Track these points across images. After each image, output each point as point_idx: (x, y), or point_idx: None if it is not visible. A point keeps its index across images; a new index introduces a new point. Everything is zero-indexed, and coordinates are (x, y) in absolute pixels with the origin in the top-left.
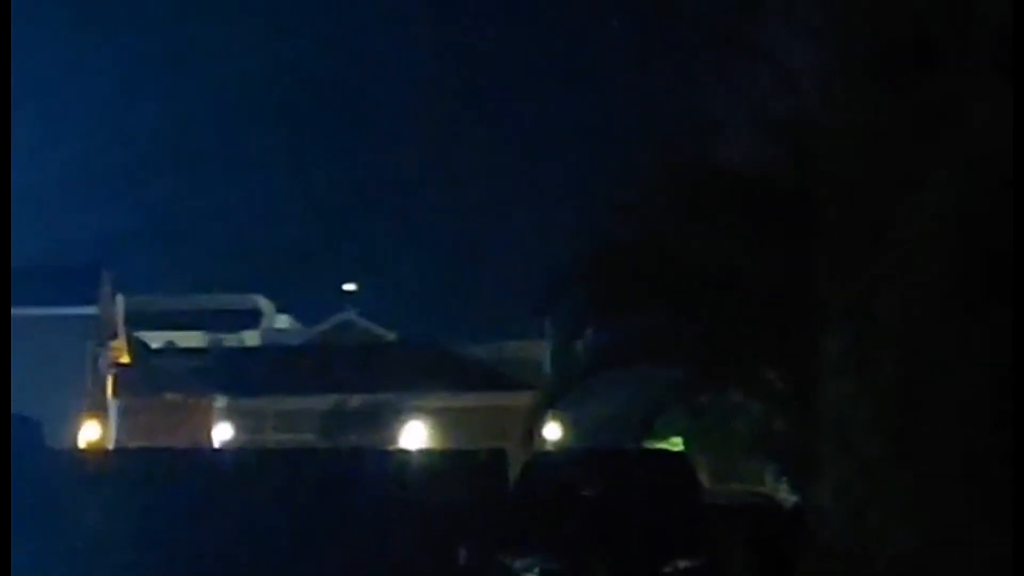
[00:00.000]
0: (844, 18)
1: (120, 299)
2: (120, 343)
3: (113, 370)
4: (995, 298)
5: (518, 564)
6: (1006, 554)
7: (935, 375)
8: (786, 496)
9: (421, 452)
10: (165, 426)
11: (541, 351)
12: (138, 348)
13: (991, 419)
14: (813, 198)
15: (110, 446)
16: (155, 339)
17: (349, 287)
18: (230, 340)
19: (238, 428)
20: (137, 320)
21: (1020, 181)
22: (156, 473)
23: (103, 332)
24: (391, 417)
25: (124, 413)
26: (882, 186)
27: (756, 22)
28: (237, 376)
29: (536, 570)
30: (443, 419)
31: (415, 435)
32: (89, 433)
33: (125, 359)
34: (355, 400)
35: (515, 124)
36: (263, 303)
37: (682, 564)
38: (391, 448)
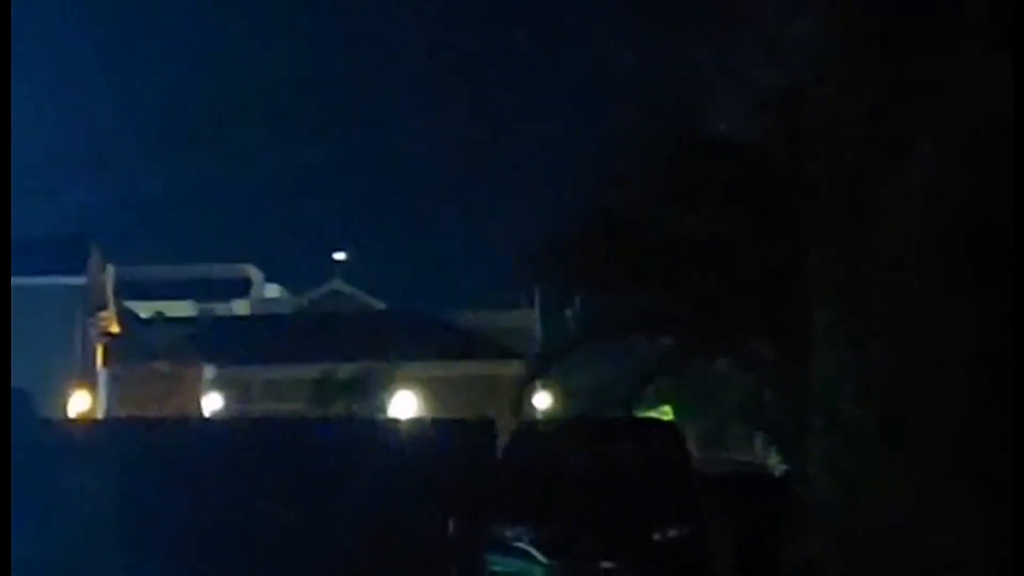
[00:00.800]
0: None
1: (109, 269)
2: (109, 313)
3: (103, 340)
4: (985, 274)
5: (508, 533)
6: (996, 529)
7: (925, 349)
8: (775, 465)
9: (411, 421)
10: (155, 396)
11: (531, 320)
12: (127, 318)
13: (981, 394)
14: (804, 171)
15: (100, 416)
16: (144, 309)
17: (339, 256)
18: (220, 309)
19: (228, 397)
20: (126, 290)
21: (1020, 163)
22: (146, 443)
23: (92, 302)
24: (381, 386)
25: (114, 383)
26: (873, 161)
27: None
28: (227, 345)
29: (526, 539)
30: (432, 388)
31: (405, 404)
32: (79, 403)
33: (114, 329)
34: (345, 369)
35: (506, 93)
36: (252, 272)
37: (672, 532)
38: (381, 417)
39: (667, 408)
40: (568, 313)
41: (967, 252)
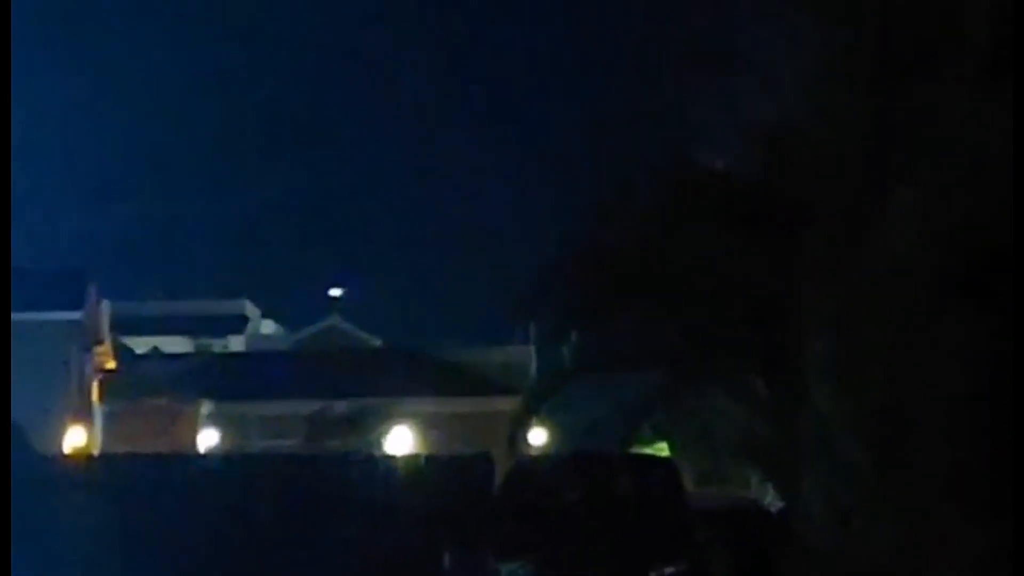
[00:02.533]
0: (827, 23)
1: (106, 304)
2: (105, 348)
3: (99, 375)
4: (979, 302)
5: (504, 569)
6: (988, 557)
7: (919, 379)
8: (771, 500)
9: (407, 457)
10: (151, 431)
11: (526, 356)
12: (123, 353)
13: (976, 423)
14: (797, 202)
15: (96, 452)
16: (141, 344)
17: (335, 292)
18: (216, 345)
19: (224, 433)
20: (123, 325)
21: (1018, 187)
22: (142, 479)
23: (88, 337)
24: (377, 422)
25: (110, 419)
26: (865, 190)
27: (740, 27)
28: (223, 381)
29: (522, 573)
30: (429, 424)
31: (401, 440)
32: (75, 439)
33: (111, 364)
34: (341, 405)
35: (499, 129)
36: (249, 308)
37: (667, 568)
38: (377, 453)
39: (663, 444)
40: (563, 349)
41: (960, 281)
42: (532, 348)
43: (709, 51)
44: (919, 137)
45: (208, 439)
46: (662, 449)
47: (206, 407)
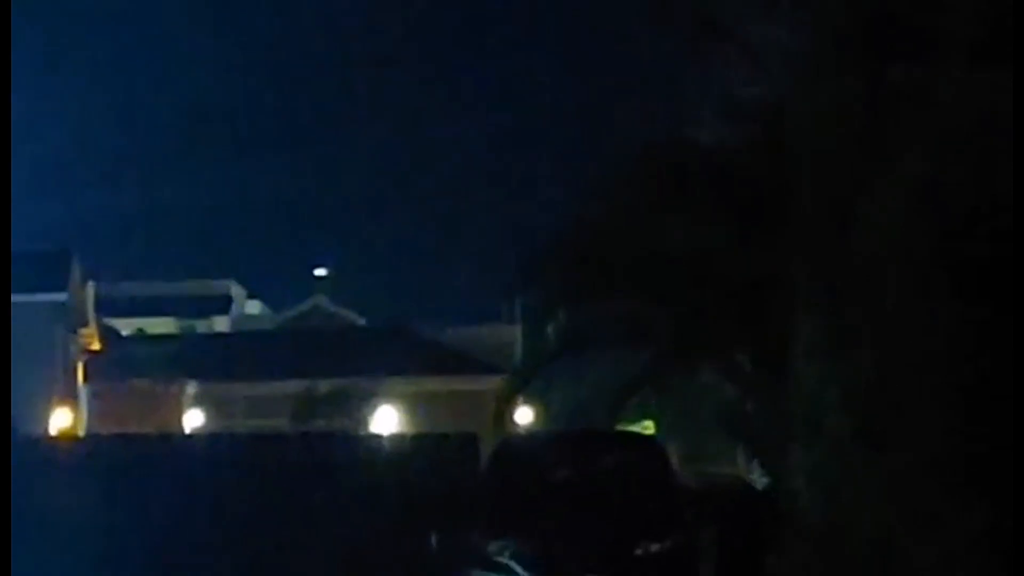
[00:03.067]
0: (817, 3)
1: (90, 285)
2: (90, 330)
3: (84, 357)
4: (966, 283)
5: (490, 547)
6: (976, 535)
7: (906, 358)
8: (758, 477)
9: (393, 436)
10: (136, 412)
11: (513, 335)
12: (109, 334)
13: (962, 401)
14: (785, 181)
15: (81, 433)
16: (126, 325)
17: (320, 272)
18: (201, 326)
19: (209, 414)
20: (107, 307)
21: (1019, 172)
22: (128, 459)
23: (73, 319)
24: (362, 402)
25: (95, 400)
26: (854, 170)
27: (727, 4)
28: (208, 362)
29: (508, 553)
30: (415, 403)
31: (387, 419)
32: (60, 420)
33: (96, 346)
34: (326, 385)
35: (486, 108)
36: (234, 289)
37: (654, 546)
38: (363, 433)
39: (649, 422)
40: (549, 327)
41: (947, 261)
42: (518, 327)
43: (698, 32)
44: (910, 120)
45: (194, 420)
46: (648, 427)
47: (192, 388)
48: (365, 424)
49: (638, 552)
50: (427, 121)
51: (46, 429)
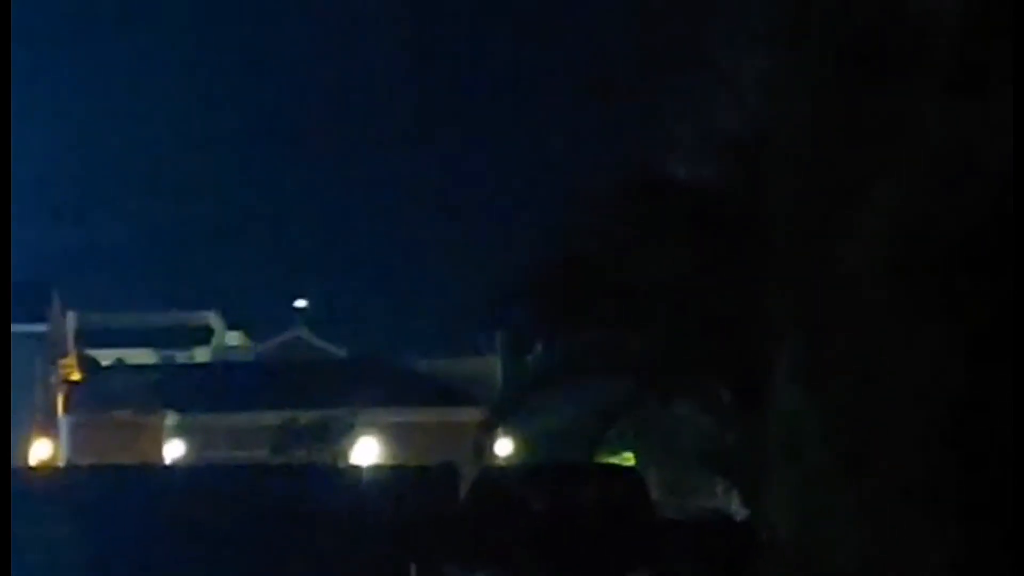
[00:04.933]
0: (790, 28)
1: (71, 316)
2: (71, 360)
3: (64, 387)
4: (946, 310)
5: None
6: (959, 564)
7: (885, 387)
8: (737, 509)
9: (372, 468)
10: (116, 443)
11: (492, 366)
12: (89, 365)
13: (943, 430)
14: (761, 210)
15: (61, 464)
16: (106, 356)
17: (300, 304)
18: (181, 357)
19: (189, 445)
20: (88, 337)
21: (1019, 189)
22: (108, 490)
23: (53, 349)
24: (342, 433)
25: (75, 431)
26: (832, 199)
27: (703, 34)
28: (188, 393)
29: None
30: (394, 435)
31: (366, 451)
32: (40, 451)
33: (76, 376)
34: (306, 416)
35: (465, 141)
36: (214, 320)
37: None
38: (343, 464)
39: (628, 454)
40: (528, 359)
41: (927, 288)
42: (497, 359)
43: (676, 62)
44: (888, 147)
45: (174, 451)
46: (628, 459)
47: (171, 419)
48: (345, 455)
49: None
50: (407, 155)
51: (25, 460)
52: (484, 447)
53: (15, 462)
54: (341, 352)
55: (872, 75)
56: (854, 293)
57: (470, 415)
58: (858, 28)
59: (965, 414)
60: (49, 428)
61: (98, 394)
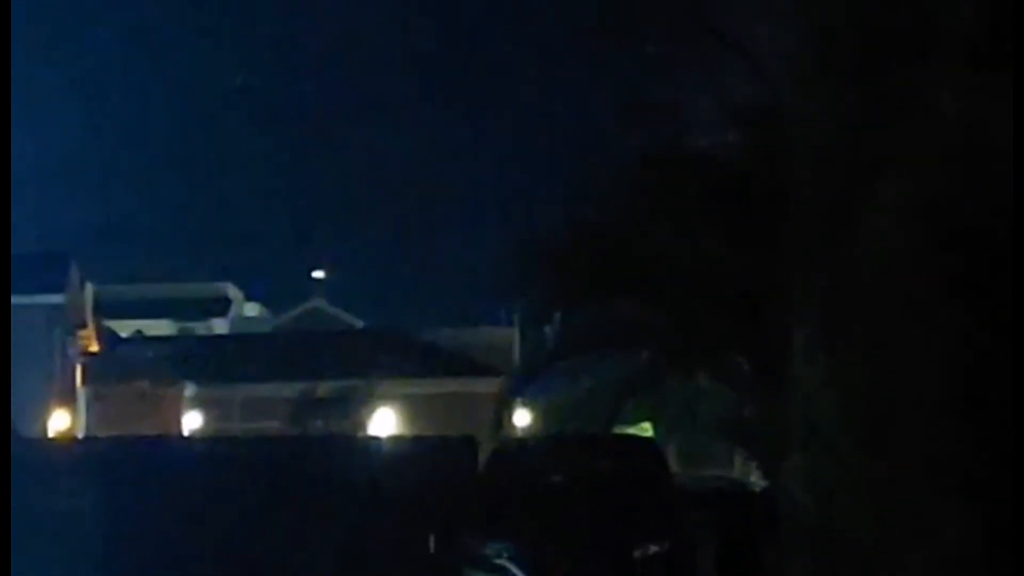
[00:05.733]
0: (813, 3)
1: (89, 288)
2: (89, 332)
3: (82, 359)
4: (963, 287)
5: (488, 550)
6: (973, 540)
7: (903, 362)
8: (756, 481)
9: (390, 439)
10: (135, 415)
11: (510, 337)
12: (107, 337)
13: (959, 405)
14: (782, 186)
15: (80, 435)
16: (124, 328)
17: (318, 275)
18: (199, 328)
19: (207, 416)
20: (106, 309)
21: (1019, 173)
22: (126, 462)
23: (72, 321)
24: (360, 404)
25: (93, 402)
26: (851, 176)
27: (724, 7)
28: (206, 364)
29: (505, 556)
30: (412, 406)
31: (384, 422)
32: (58, 422)
33: (94, 348)
34: (324, 387)
35: (483, 111)
36: (232, 291)
37: (652, 549)
38: (361, 435)
39: (647, 424)
40: (547, 329)
41: (945, 268)
42: (515, 329)
43: (695, 36)
44: (908, 126)
45: (192, 422)
46: (646, 429)
47: (190, 390)
48: (363, 426)
49: (635, 555)
50: (425, 125)
51: (44, 431)
52: (502, 418)
53: (35, 433)
54: (359, 323)
55: (894, 51)
56: (873, 270)
57: (488, 386)
58: (876, 8)
59: (985, 391)
60: (67, 399)
61: (116, 365)
